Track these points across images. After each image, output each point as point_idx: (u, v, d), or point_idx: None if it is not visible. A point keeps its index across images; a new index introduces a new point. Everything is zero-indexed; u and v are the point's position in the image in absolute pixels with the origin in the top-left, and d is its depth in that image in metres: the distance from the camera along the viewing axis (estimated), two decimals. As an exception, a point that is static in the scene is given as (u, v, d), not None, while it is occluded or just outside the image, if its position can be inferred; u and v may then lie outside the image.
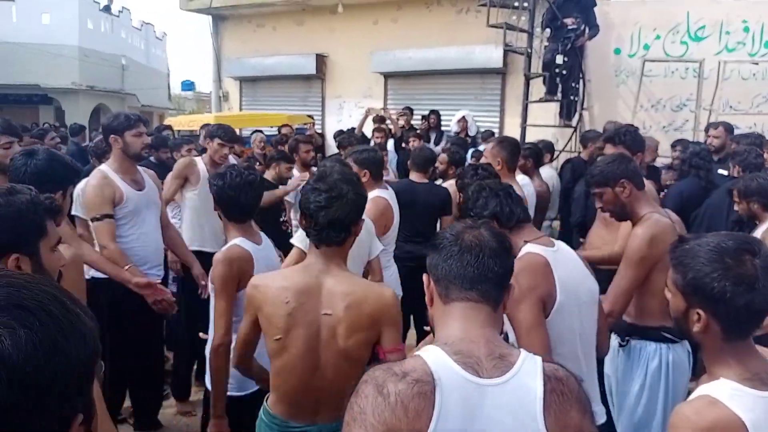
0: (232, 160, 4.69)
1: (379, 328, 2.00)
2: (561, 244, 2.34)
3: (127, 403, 4.06)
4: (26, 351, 0.61)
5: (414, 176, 4.74)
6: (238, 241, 2.68)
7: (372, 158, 3.83)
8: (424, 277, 1.47)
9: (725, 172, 4.99)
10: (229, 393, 2.67)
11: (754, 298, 1.38)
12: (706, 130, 6.52)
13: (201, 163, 4.49)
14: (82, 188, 3.60)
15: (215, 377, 2.52)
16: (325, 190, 2.00)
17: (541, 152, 5.25)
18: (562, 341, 2.14)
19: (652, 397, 2.71)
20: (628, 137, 3.41)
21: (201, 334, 2.94)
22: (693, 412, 1.39)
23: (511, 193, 2.36)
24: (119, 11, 26.25)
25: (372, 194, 3.79)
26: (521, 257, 2.17)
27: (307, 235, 2.08)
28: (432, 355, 1.29)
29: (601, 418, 2.22)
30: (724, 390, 1.39)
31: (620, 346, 2.83)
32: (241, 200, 2.73)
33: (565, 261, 2.23)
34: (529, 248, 2.21)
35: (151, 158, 5.72)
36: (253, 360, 2.30)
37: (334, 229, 1.99)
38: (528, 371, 1.29)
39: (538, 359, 1.33)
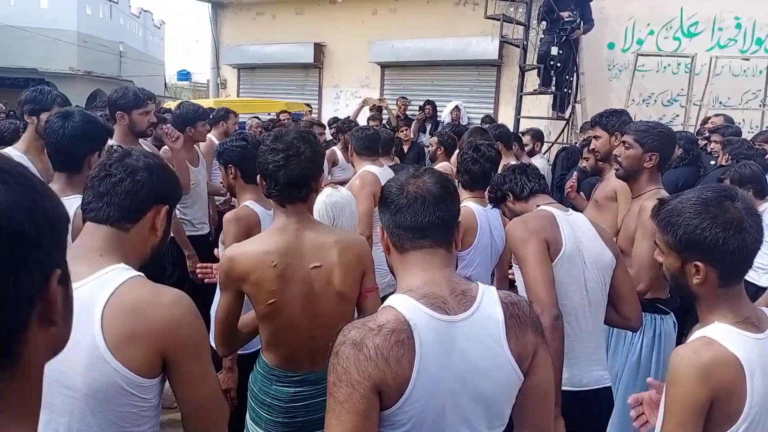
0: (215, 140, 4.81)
1: (363, 269, 2.12)
2: (577, 214, 2.46)
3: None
4: (5, 202, 0.63)
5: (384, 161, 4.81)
6: (248, 203, 2.75)
7: (360, 135, 4.02)
8: (378, 228, 1.54)
9: (713, 162, 5.13)
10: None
11: (744, 238, 1.45)
12: (705, 122, 6.67)
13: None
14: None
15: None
16: (282, 149, 2.00)
17: (509, 135, 5.32)
18: (567, 293, 2.24)
19: (646, 366, 2.81)
20: (612, 120, 3.47)
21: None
22: (691, 352, 1.45)
23: (525, 169, 2.57)
24: (118, -2, 26.21)
25: (363, 169, 3.95)
26: (529, 212, 2.39)
27: (268, 196, 2.08)
28: (402, 304, 1.34)
29: (608, 382, 2.34)
30: (719, 331, 1.47)
31: None
32: None
33: (577, 224, 2.36)
34: (541, 208, 2.39)
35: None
36: (238, 332, 2.22)
37: (295, 186, 2.01)
38: (488, 301, 1.38)
39: (493, 289, 1.43)
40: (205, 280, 2.80)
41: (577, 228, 2.33)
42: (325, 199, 3.40)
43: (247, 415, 2.25)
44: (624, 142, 2.85)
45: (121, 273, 1.40)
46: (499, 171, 3.17)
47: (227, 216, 2.76)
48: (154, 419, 1.44)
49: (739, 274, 1.53)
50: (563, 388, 2.21)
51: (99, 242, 1.46)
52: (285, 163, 1.99)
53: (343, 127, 6.63)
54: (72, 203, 2.12)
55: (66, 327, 0.75)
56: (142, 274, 1.44)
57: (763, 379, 1.42)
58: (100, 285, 1.36)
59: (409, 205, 1.42)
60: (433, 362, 1.29)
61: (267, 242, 2.05)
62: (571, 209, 2.47)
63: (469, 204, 3.06)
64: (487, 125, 5.96)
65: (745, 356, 1.42)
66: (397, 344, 1.27)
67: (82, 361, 1.31)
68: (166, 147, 4.42)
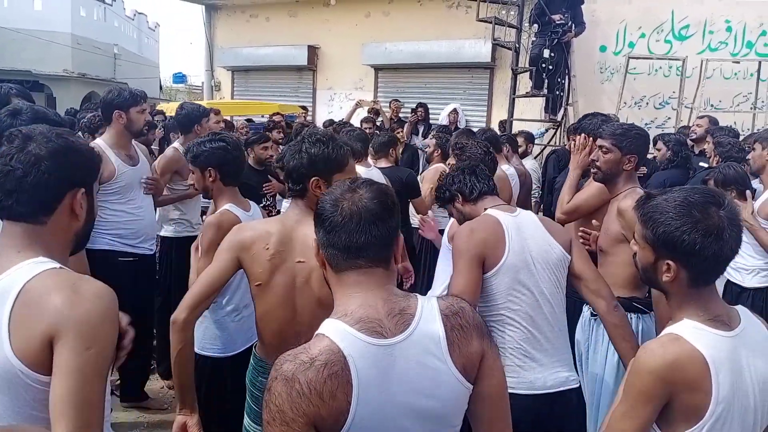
0: None
1: None
2: (524, 213, 2.47)
3: (114, 376, 4.14)
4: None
5: (383, 162, 4.82)
6: (228, 206, 2.74)
7: (357, 136, 4.03)
8: (313, 242, 1.46)
9: (706, 165, 5.14)
10: (212, 354, 2.74)
11: (722, 247, 1.46)
12: (686, 127, 6.70)
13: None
14: None
15: (179, 358, 2.17)
16: (293, 145, 2.16)
17: (497, 138, 5.33)
18: (515, 300, 2.25)
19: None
20: (590, 125, 3.51)
21: None
22: (657, 347, 1.48)
23: (475, 170, 2.60)
24: (112, 0, 26.17)
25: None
26: (477, 218, 2.41)
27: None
28: (336, 332, 1.29)
29: (575, 383, 2.30)
30: (687, 328, 1.48)
31: (592, 315, 2.91)
32: (241, 159, 2.85)
33: (524, 225, 2.36)
34: (488, 212, 2.41)
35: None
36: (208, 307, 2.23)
37: (290, 178, 2.13)
38: (427, 317, 1.34)
39: (434, 300, 1.38)
40: None
41: (524, 229, 2.34)
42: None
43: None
44: (601, 147, 2.87)
45: (37, 266, 1.34)
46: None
47: (210, 219, 2.73)
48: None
49: (709, 279, 1.55)
50: (526, 392, 2.19)
51: (17, 239, 1.39)
52: (288, 158, 2.12)
53: (337, 128, 6.63)
54: None
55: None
56: (58, 266, 1.38)
57: (731, 377, 1.44)
58: (12, 280, 1.31)
59: (343, 224, 1.35)
60: (372, 391, 1.26)
61: (270, 225, 2.16)
62: (518, 209, 2.48)
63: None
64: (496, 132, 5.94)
65: (710, 353, 1.44)
66: (330, 377, 1.23)
67: None
68: (174, 146, 4.48)
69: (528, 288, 2.26)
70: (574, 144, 3.37)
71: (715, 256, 1.46)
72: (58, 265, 1.37)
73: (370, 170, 4.01)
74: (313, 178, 2.07)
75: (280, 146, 5.74)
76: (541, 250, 2.33)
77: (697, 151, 5.70)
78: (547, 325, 2.27)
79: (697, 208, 1.47)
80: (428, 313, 1.35)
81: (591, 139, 3.27)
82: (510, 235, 2.29)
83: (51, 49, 21.20)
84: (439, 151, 5.10)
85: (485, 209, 2.46)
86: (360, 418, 1.25)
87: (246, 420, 2.26)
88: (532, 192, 6.05)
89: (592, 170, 2.97)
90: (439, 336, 1.32)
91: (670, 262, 1.51)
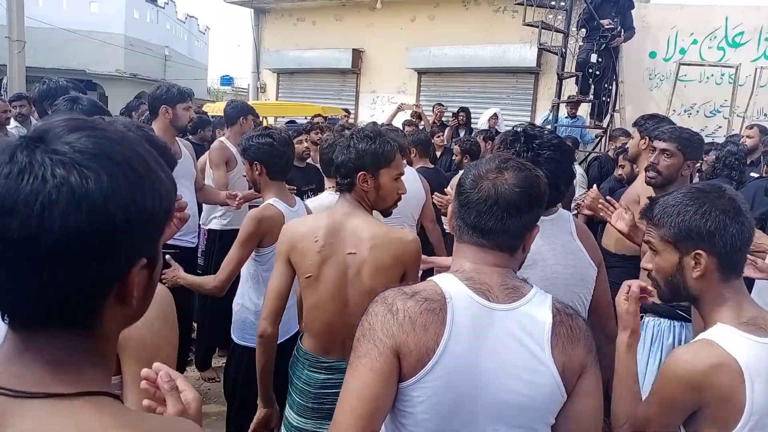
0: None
1: (402, 269, 2.11)
2: (558, 220, 2.14)
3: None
4: (106, 193, 0.71)
5: (423, 162, 4.82)
6: (272, 201, 2.78)
7: (419, 139, 4.19)
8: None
9: (756, 175, 4.97)
10: (253, 345, 2.77)
11: (743, 223, 1.43)
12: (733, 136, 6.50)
13: (229, 143, 4.56)
14: None
15: (265, 367, 2.28)
16: (341, 142, 2.20)
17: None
18: None
19: None
20: (648, 122, 3.43)
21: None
22: (689, 353, 1.40)
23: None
24: (165, 3, 26.85)
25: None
26: None
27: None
28: (444, 279, 1.30)
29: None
30: (721, 334, 1.40)
31: None
32: (288, 155, 2.88)
33: (556, 236, 2.06)
34: None
35: (190, 137, 5.96)
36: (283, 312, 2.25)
37: (338, 172, 2.17)
38: (539, 302, 1.29)
39: (550, 296, 1.33)
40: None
41: (551, 239, 2.02)
42: (308, 201, 3.29)
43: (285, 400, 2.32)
44: (665, 151, 2.76)
45: None
46: None
47: (252, 212, 2.77)
48: None
49: (737, 263, 1.48)
50: None
51: None
52: (337, 152, 2.18)
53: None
54: None
55: (141, 307, 0.84)
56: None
57: (767, 386, 1.36)
58: None
59: (476, 204, 1.31)
60: (462, 342, 1.23)
61: (318, 220, 2.19)
62: (559, 209, 2.15)
63: None
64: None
65: (746, 361, 1.36)
66: (427, 311, 1.23)
67: None
68: (221, 139, 4.59)
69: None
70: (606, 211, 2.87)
71: (739, 233, 1.42)
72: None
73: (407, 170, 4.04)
74: (361, 173, 2.11)
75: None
76: (564, 266, 2.02)
77: (748, 162, 5.52)
78: None
79: (705, 193, 1.47)
80: (541, 299, 1.31)
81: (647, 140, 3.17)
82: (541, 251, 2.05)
83: (105, 49, 21.86)
84: (468, 157, 5.15)
85: None
86: (443, 365, 1.22)
87: (289, 412, 2.26)
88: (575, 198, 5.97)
89: (648, 174, 2.82)
90: (544, 322, 1.27)
91: (699, 252, 1.45)
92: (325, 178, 3.25)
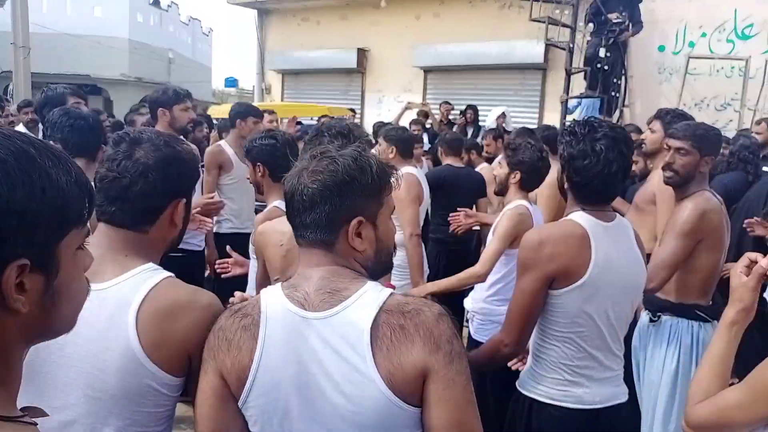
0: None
1: None
2: (622, 224, 2.12)
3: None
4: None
5: (451, 160, 4.83)
6: (276, 203, 2.74)
7: (400, 136, 3.91)
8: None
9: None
10: None
11: None
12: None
13: (227, 146, 4.53)
14: None
15: None
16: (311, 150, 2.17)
17: (556, 138, 5.29)
18: (578, 319, 1.99)
19: (686, 373, 2.68)
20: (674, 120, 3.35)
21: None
22: None
23: None
24: (168, 6, 26.88)
25: (401, 170, 3.89)
26: (557, 229, 2.08)
27: None
28: (269, 290, 1.29)
29: (624, 397, 2.14)
30: None
31: (651, 321, 2.81)
32: (291, 156, 2.84)
33: (618, 239, 2.06)
34: (574, 220, 2.04)
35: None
36: None
37: None
38: (363, 304, 1.19)
39: (387, 291, 1.23)
40: (222, 276, 2.86)
41: (616, 244, 2.03)
42: None
43: None
44: (680, 149, 2.70)
45: (153, 274, 1.35)
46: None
47: (259, 217, 2.80)
48: (171, 417, 1.42)
49: None
50: (574, 406, 2.02)
51: (120, 243, 1.37)
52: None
53: (378, 131, 6.50)
54: None
55: (49, 317, 0.77)
56: (173, 275, 1.39)
57: None
58: (132, 287, 1.32)
59: (289, 201, 1.31)
60: (276, 357, 1.19)
61: (284, 223, 2.10)
62: (616, 215, 2.13)
63: (523, 202, 3.06)
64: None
65: None
66: (242, 329, 1.23)
67: (116, 364, 1.28)
68: (219, 142, 4.57)
69: (598, 310, 2.00)
70: None
71: None
72: (171, 274, 1.39)
73: (420, 171, 3.99)
74: None
75: None
76: (628, 271, 2.04)
77: (761, 155, 5.44)
78: (604, 345, 2.06)
79: None
80: (366, 300, 1.20)
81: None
82: (595, 251, 1.96)
83: (109, 53, 21.88)
84: (474, 154, 5.19)
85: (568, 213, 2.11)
86: (260, 384, 1.20)
87: None
88: None
89: (665, 174, 2.76)
90: (363, 328, 1.16)
91: None
92: None
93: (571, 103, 8.38)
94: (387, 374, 1.14)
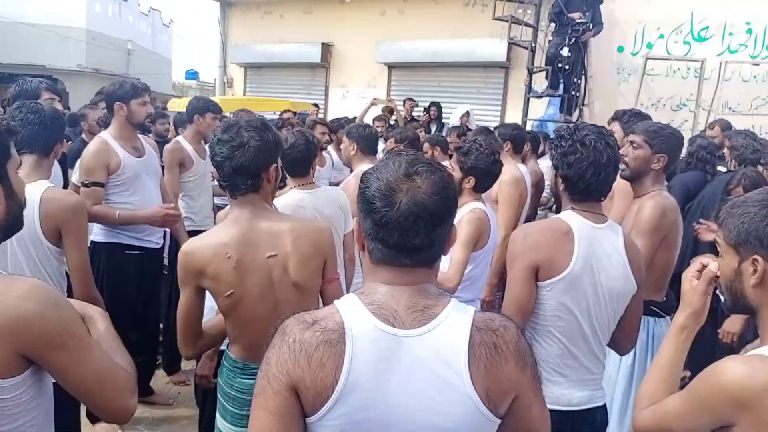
0: None
1: (323, 258, 2.08)
2: (612, 230, 2.13)
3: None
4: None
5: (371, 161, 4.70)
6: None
7: (362, 133, 3.84)
8: (354, 222, 1.33)
9: (724, 169, 5.04)
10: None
11: None
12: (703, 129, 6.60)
13: (186, 143, 4.37)
14: (83, 154, 3.65)
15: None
16: (228, 140, 1.98)
17: (522, 138, 5.26)
18: (561, 315, 2.05)
19: (641, 368, 2.73)
20: (632, 119, 3.41)
21: None
22: (743, 365, 1.27)
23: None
24: (127, -4, 26.31)
25: (357, 169, 3.80)
26: (540, 224, 2.19)
27: (221, 187, 2.10)
28: (346, 303, 1.21)
29: (600, 401, 2.17)
30: None
31: None
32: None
33: (603, 244, 2.08)
34: (560, 218, 2.11)
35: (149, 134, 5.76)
36: (203, 332, 2.18)
37: (240, 176, 1.98)
38: (454, 323, 1.18)
39: (471, 309, 1.22)
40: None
41: (602, 246, 2.07)
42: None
43: (216, 410, 2.22)
44: (632, 142, 2.78)
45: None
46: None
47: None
48: (31, 412, 1.32)
49: None
50: (550, 407, 2.07)
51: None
52: (230, 154, 1.96)
53: (334, 126, 6.28)
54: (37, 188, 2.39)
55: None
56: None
57: None
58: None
59: (398, 223, 1.17)
60: (366, 376, 1.14)
61: (222, 234, 2.02)
62: (609, 221, 2.16)
63: (479, 205, 3.04)
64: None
65: None
66: (324, 344, 1.14)
67: None
68: (177, 138, 4.43)
69: (580, 308, 2.04)
70: None
71: None
72: None
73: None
74: (272, 166, 2.04)
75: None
76: (609, 275, 2.07)
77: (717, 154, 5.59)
78: (585, 346, 2.10)
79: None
80: (457, 318, 1.19)
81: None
82: (578, 249, 2.02)
83: (66, 44, 21.30)
84: (438, 150, 5.08)
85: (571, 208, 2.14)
86: (345, 403, 1.14)
87: (221, 422, 2.17)
88: (544, 193, 6.02)
89: (620, 166, 2.86)
90: (460, 346, 1.16)
91: (756, 258, 1.34)
92: (288, 177, 3.10)
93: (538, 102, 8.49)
94: (484, 391, 1.16)
